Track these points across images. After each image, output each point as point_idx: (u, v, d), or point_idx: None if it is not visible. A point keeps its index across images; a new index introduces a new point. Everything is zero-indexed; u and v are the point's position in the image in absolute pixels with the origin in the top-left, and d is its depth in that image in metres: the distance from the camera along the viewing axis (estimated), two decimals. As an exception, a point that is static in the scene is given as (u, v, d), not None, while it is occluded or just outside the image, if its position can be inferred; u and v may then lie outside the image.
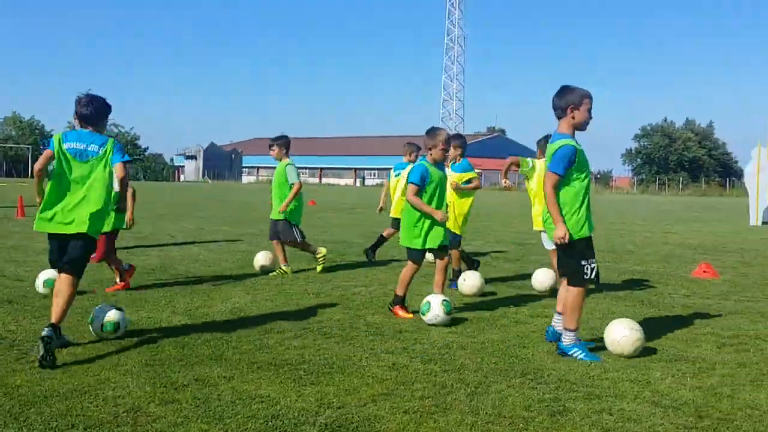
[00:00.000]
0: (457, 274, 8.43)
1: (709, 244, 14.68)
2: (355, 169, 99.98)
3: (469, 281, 7.82)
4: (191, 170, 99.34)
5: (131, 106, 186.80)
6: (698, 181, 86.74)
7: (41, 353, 4.72)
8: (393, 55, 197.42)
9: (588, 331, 6.17)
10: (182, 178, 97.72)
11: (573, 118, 5.30)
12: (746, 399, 4.38)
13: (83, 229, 5.19)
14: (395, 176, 10.09)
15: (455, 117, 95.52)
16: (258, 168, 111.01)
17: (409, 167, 8.56)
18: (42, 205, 5.26)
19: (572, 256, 5.32)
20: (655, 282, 9.26)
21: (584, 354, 5.24)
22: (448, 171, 8.45)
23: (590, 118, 5.38)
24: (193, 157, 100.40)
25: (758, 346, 5.72)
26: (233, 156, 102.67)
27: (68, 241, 5.25)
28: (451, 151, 8.17)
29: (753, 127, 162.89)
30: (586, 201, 5.32)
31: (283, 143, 9.16)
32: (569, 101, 5.30)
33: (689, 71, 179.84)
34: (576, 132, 5.38)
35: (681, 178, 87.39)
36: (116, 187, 5.63)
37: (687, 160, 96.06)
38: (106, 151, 5.32)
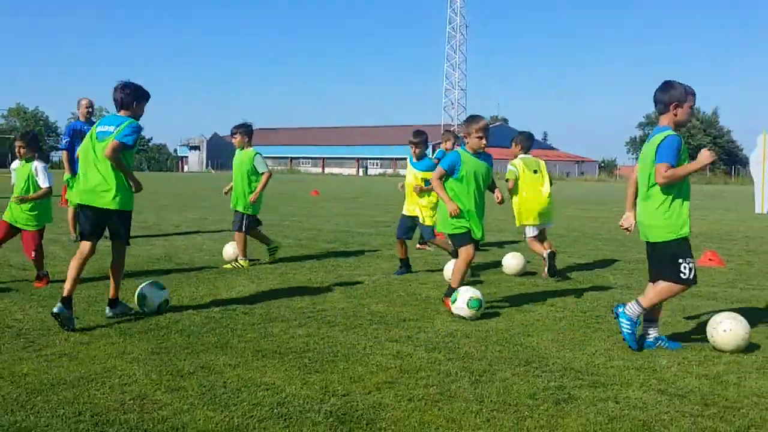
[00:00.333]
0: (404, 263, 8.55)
1: (715, 233, 14.64)
2: (358, 158, 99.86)
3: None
4: (195, 161, 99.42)
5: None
6: (703, 169, 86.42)
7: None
8: (395, 44, 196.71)
9: (593, 319, 6.17)
10: (186, 168, 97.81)
11: (675, 115, 5.16)
12: (752, 387, 4.37)
13: (110, 204, 5.64)
14: (436, 158, 10.25)
15: (457, 106, 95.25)
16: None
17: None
18: (74, 181, 5.90)
19: (668, 256, 5.12)
20: (660, 270, 9.23)
21: (631, 333, 5.14)
22: (409, 167, 8.42)
23: (692, 116, 5.23)
24: (196, 148, 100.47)
25: (765, 334, 5.71)
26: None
27: (102, 215, 5.71)
28: (412, 149, 8.27)
29: (758, 114, 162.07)
30: (688, 198, 5.13)
31: (246, 131, 8.96)
32: (673, 97, 5.12)
33: (693, 58, 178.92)
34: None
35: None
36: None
37: (692, 147, 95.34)
38: (118, 130, 5.61)
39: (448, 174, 6.43)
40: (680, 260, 5.09)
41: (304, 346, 5.09)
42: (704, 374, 4.61)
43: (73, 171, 10.86)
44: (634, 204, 5.49)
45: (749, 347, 5.15)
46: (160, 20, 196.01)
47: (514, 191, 8.37)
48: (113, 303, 5.91)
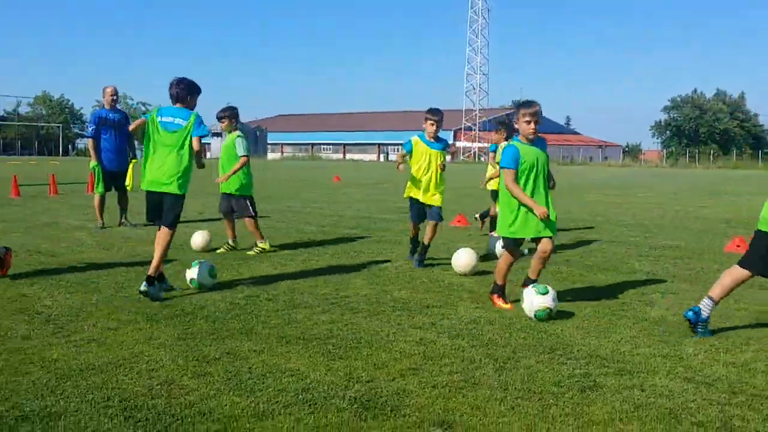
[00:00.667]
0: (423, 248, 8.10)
1: (742, 218, 14.42)
2: (379, 144, 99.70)
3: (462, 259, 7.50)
4: (217, 147, 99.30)
5: (158, 85, 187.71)
6: (729, 154, 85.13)
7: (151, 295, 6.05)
8: (417, 30, 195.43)
9: (619, 306, 6.12)
10: (208, 155, 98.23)
11: None
12: (781, 375, 4.31)
13: (172, 189, 6.29)
14: (491, 151, 10.34)
15: (479, 91, 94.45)
16: (282, 145, 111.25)
17: (501, 146, 8.72)
18: (142, 168, 6.50)
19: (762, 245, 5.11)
20: (688, 257, 9.14)
21: (704, 331, 5.15)
22: (423, 146, 7.83)
23: None
24: (218, 135, 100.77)
25: (793, 322, 5.62)
26: (258, 133, 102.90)
27: (162, 199, 6.34)
28: (428, 127, 7.80)
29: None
30: None
31: (232, 114, 8.86)
32: None
33: (719, 41, 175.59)
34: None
35: (712, 151, 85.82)
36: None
37: (718, 132, 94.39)
38: (188, 124, 6.34)
39: (516, 171, 5.91)
40: None
41: (328, 333, 5.12)
42: (732, 362, 4.56)
43: (99, 159, 11.01)
44: None
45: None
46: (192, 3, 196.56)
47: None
48: (150, 281, 6.13)
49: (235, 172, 8.63)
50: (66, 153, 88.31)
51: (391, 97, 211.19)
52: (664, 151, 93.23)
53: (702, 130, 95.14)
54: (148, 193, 6.43)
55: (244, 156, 8.66)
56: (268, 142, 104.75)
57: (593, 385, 4.09)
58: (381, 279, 7.25)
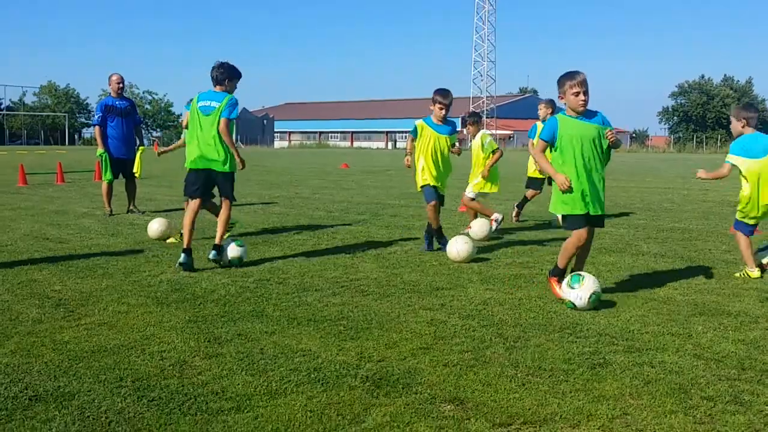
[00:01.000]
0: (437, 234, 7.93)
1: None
2: (387, 132, 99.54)
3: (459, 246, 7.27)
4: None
5: (165, 73, 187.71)
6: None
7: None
8: (424, 16, 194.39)
9: (627, 286, 6.12)
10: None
11: None
12: (791, 352, 4.31)
13: (223, 169, 6.77)
14: (530, 138, 10.27)
15: (486, 78, 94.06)
16: (289, 133, 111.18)
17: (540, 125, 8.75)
18: (186, 150, 6.91)
19: None
20: (695, 238, 9.12)
21: None
22: (429, 130, 7.72)
23: None
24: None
25: (803, 301, 5.61)
26: (265, 121, 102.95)
27: (209, 176, 6.82)
28: (437, 110, 7.65)
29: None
30: None
31: None
32: None
33: (727, 26, 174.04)
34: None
35: (719, 136, 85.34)
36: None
37: (725, 117, 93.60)
38: (221, 106, 6.69)
39: (550, 144, 5.69)
40: None
41: (339, 314, 5.14)
42: (741, 339, 4.56)
43: (106, 146, 11.04)
44: None
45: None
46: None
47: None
48: (217, 248, 6.79)
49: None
50: (72, 142, 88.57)
51: (399, 85, 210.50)
52: (672, 136, 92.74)
53: (709, 115, 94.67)
54: (195, 170, 6.83)
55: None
56: (275, 130, 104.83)
57: (603, 362, 4.10)
58: (390, 262, 7.26)
